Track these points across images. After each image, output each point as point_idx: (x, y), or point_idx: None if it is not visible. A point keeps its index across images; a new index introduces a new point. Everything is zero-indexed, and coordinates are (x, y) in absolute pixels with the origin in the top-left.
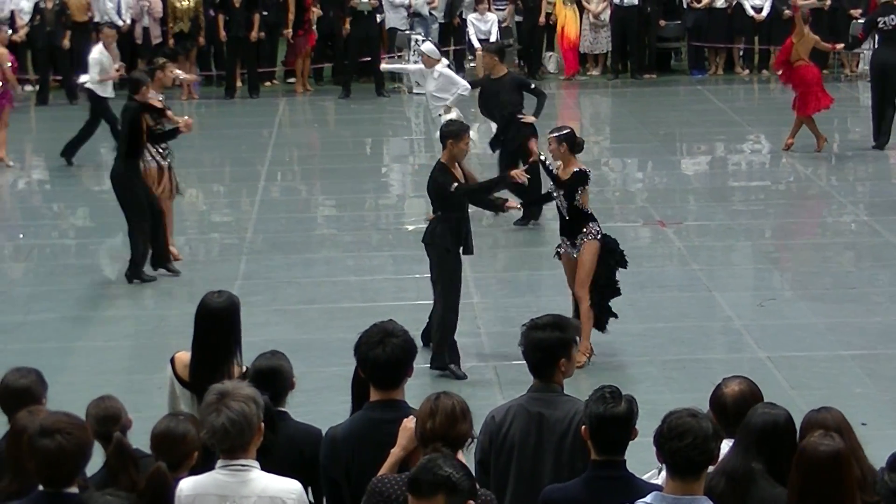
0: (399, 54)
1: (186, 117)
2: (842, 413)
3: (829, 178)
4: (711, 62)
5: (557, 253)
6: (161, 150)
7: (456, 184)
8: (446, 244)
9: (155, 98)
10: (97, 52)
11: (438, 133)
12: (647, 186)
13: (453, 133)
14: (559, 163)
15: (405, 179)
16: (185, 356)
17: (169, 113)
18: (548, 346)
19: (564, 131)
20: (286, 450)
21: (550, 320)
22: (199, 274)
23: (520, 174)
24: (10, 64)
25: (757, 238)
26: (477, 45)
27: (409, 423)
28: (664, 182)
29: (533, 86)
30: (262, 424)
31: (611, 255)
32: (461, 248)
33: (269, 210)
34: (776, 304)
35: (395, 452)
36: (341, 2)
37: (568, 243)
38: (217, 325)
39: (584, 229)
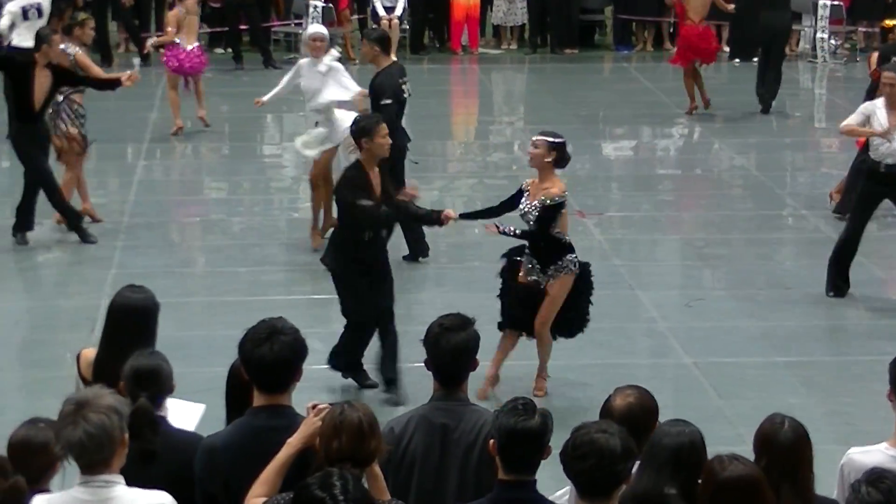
0: (297, 21)
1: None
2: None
3: (764, 168)
4: (639, 37)
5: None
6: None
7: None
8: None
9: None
10: None
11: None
12: (566, 172)
13: (366, 130)
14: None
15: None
16: (91, 354)
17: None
18: (465, 349)
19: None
20: (166, 459)
21: (461, 320)
22: (69, 263)
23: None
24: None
25: (685, 232)
26: (383, 14)
27: (314, 417)
28: (585, 168)
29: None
30: (127, 437)
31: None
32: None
33: (148, 192)
34: (705, 305)
35: (293, 443)
36: None
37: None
38: (132, 322)
39: (561, 260)
